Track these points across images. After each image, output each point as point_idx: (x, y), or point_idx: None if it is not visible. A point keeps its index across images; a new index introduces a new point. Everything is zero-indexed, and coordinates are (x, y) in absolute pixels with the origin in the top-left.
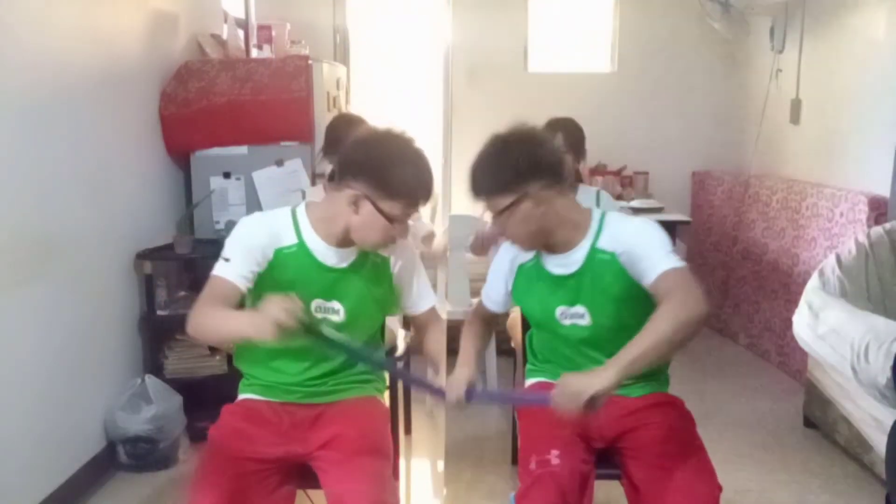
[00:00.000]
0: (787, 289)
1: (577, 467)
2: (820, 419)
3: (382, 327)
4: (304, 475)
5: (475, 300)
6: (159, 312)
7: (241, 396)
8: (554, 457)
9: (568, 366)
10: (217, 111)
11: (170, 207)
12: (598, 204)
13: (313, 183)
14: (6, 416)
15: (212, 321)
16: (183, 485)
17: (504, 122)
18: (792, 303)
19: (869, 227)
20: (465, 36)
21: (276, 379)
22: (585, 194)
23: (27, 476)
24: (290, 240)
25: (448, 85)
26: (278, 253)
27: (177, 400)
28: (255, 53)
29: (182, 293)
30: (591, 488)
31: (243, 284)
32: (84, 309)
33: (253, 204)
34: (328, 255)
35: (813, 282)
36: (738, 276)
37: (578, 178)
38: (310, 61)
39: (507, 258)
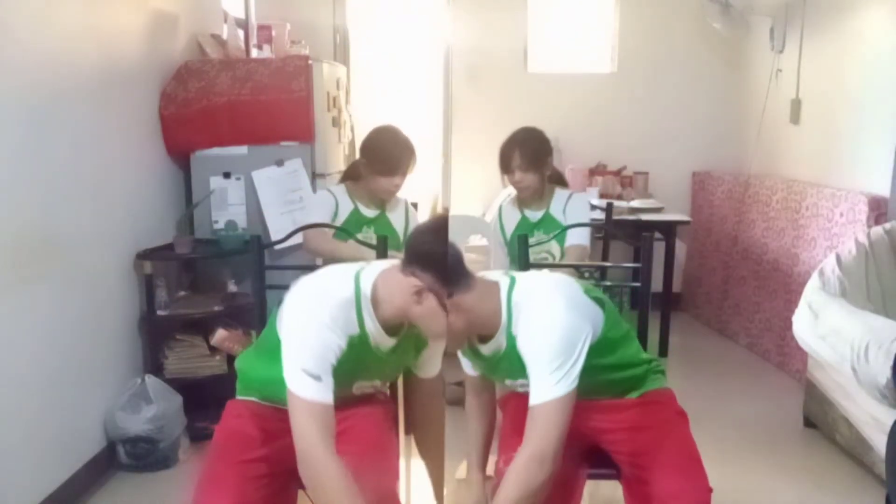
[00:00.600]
0: (787, 289)
1: None
2: (820, 419)
3: None
4: None
5: None
6: (159, 312)
7: (243, 398)
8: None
9: None
10: (217, 111)
11: (170, 207)
12: (564, 211)
13: (313, 182)
14: (6, 416)
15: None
16: (185, 485)
17: (504, 122)
18: (792, 303)
19: (869, 227)
20: (464, 36)
21: (277, 394)
22: (558, 200)
23: (27, 476)
24: (353, 330)
25: (448, 85)
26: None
27: (177, 400)
28: (255, 53)
29: (182, 293)
30: (579, 485)
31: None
32: (84, 309)
33: (253, 204)
34: (382, 341)
35: (813, 282)
36: (738, 276)
37: (558, 181)
38: (310, 61)
39: None
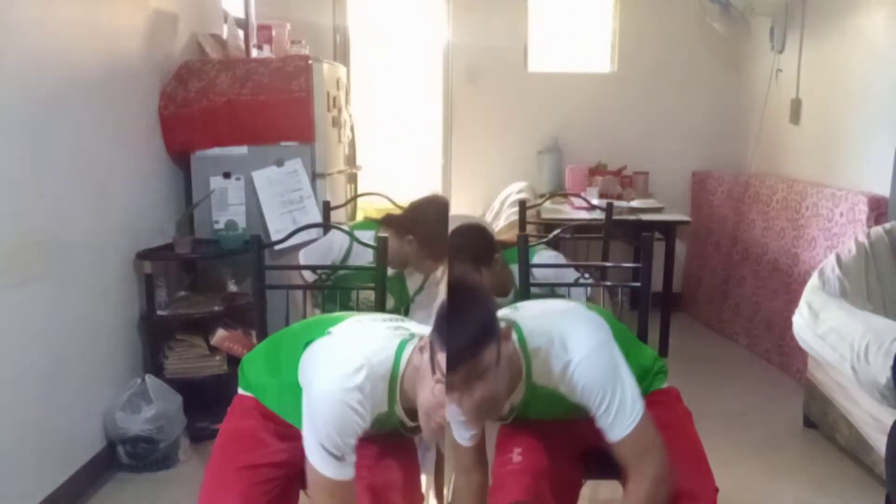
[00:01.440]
0: (787, 289)
1: (543, 463)
2: (820, 419)
3: None
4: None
5: None
6: (159, 312)
7: (246, 392)
8: (515, 454)
9: None
10: (217, 111)
11: (170, 207)
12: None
13: (313, 182)
14: (6, 416)
15: None
16: (185, 485)
17: (504, 122)
18: (792, 303)
19: (869, 227)
20: (464, 36)
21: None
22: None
23: (27, 476)
24: (381, 408)
25: (448, 85)
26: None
27: (177, 400)
28: (255, 53)
29: (182, 293)
30: (575, 486)
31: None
32: (84, 309)
33: (253, 204)
34: (407, 424)
35: (813, 282)
36: (738, 276)
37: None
38: (310, 61)
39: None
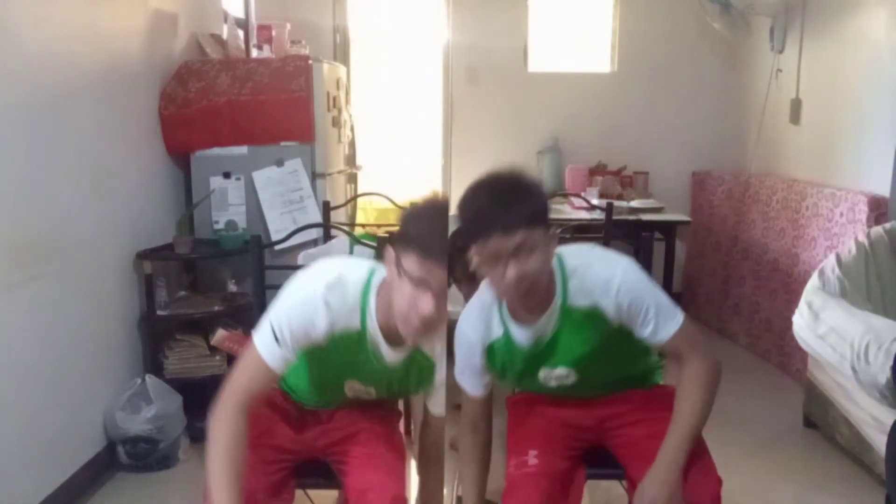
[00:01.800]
0: (787, 289)
1: (557, 465)
2: (820, 419)
3: None
4: (310, 473)
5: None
6: (159, 312)
7: None
8: (532, 457)
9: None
10: (217, 111)
11: (170, 207)
12: None
13: (313, 183)
14: (6, 416)
15: None
16: (185, 485)
17: (504, 121)
18: (792, 303)
19: (869, 227)
20: (464, 35)
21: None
22: None
23: (27, 476)
24: (353, 322)
25: (448, 85)
26: (333, 336)
27: (177, 400)
28: (255, 53)
29: (182, 293)
30: (579, 485)
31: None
32: (84, 309)
33: (253, 204)
34: (382, 349)
35: (813, 282)
36: (738, 276)
37: None
38: (310, 61)
39: (474, 341)
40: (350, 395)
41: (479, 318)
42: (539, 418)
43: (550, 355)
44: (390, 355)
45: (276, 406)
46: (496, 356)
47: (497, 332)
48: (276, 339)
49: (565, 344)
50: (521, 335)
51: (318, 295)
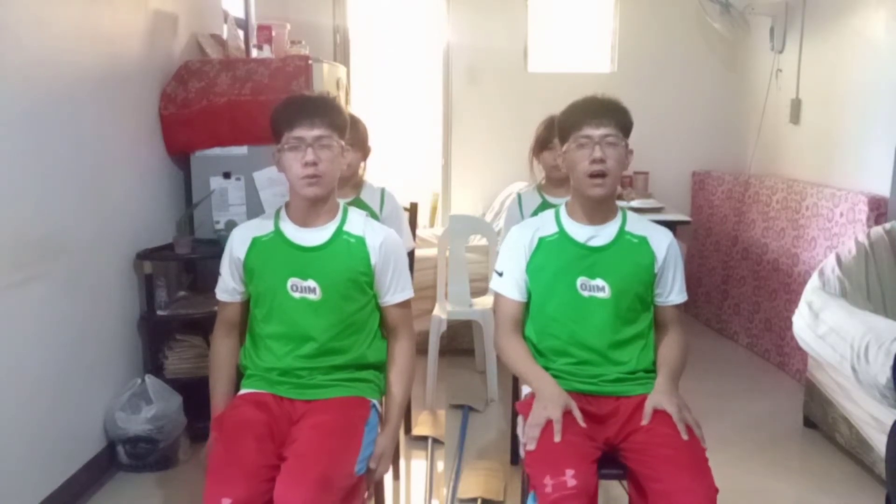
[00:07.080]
0: (787, 289)
1: (591, 482)
2: (820, 419)
3: (380, 325)
4: None
5: (476, 300)
6: (159, 312)
7: (245, 390)
8: (570, 477)
9: (566, 350)
10: (217, 111)
11: (170, 207)
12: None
13: None
14: (6, 416)
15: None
16: (185, 485)
17: (504, 122)
18: (792, 303)
19: (869, 227)
20: (464, 36)
21: (269, 363)
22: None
23: (27, 476)
24: (268, 229)
25: (448, 85)
26: (256, 241)
27: (177, 400)
28: (255, 53)
29: (182, 293)
30: (597, 494)
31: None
32: (84, 309)
33: (253, 204)
34: (299, 235)
35: (813, 282)
36: (738, 276)
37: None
38: (310, 61)
39: (527, 232)
40: (297, 297)
41: (531, 224)
42: (567, 432)
43: (595, 263)
44: (310, 235)
45: (262, 407)
46: (544, 251)
47: (551, 229)
48: (222, 275)
49: (612, 258)
50: (577, 231)
51: (236, 230)
